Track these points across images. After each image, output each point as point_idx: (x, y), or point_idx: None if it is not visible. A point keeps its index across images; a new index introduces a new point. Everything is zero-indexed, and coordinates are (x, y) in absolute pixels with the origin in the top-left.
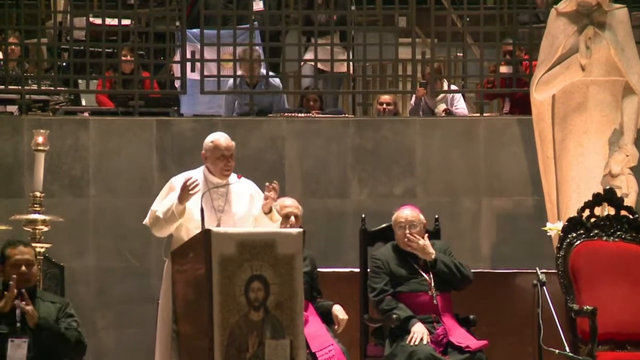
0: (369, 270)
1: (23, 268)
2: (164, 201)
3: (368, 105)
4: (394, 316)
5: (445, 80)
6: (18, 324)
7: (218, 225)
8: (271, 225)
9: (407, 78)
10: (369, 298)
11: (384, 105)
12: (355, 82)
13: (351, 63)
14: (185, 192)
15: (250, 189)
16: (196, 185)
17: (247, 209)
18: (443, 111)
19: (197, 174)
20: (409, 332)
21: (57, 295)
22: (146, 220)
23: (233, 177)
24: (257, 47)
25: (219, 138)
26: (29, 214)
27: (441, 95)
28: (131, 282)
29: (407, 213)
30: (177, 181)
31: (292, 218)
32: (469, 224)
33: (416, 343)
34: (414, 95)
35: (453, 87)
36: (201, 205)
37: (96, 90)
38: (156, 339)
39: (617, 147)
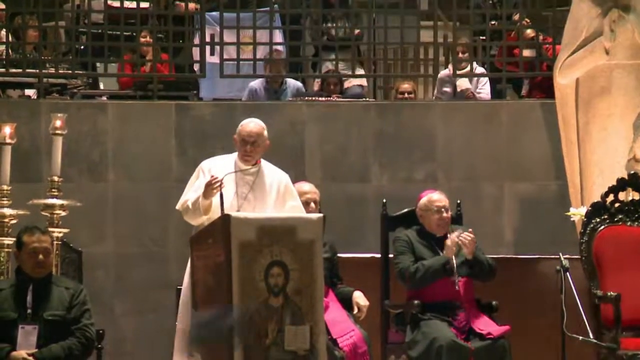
0: (391, 255)
1: (40, 257)
2: (192, 190)
3: (389, 89)
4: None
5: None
6: (29, 311)
7: (238, 212)
8: None
9: (429, 62)
10: (390, 284)
11: (405, 94)
12: (376, 65)
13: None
14: (209, 189)
15: (281, 182)
16: (220, 185)
17: (272, 200)
18: (461, 91)
19: (229, 159)
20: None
21: (71, 281)
22: (178, 206)
23: (267, 165)
24: (280, 48)
25: (247, 123)
26: (47, 199)
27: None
28: (150, 267)
29: (439, 196)
30: (206, 165)
31: (312, 204)
32: (491, 209)
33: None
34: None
35: (480, 69)
36: (221, 190)
37: (114, 73)
38: (177, 325)
39: None
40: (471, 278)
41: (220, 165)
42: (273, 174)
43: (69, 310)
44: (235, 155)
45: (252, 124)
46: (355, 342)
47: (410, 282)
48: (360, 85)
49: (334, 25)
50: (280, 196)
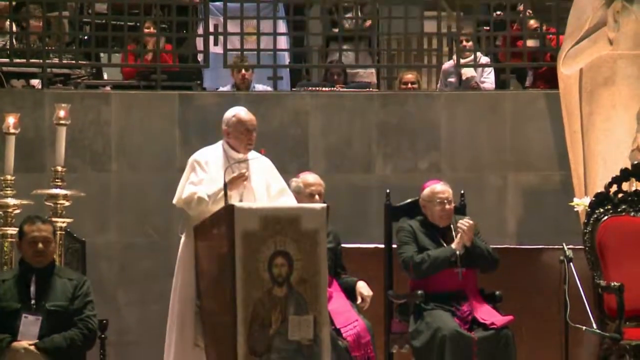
0: (395, 245)
1: (40, 245)
2: (190, 182)
3: (393, 79)
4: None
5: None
6: (32, 301)
7: (240, 201)
8: None
9: (433, 52)
10: (393, 274)
11: (409, 85)
12: (380, 56)
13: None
14: (239, 182)
15: (265, 165)
16: (246, 179)
17: (265, 185)
18: (466, 79)
19: (216, 150)
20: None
21: (75, 272)
22: (178, 201)
23: (253, 152)
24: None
25: (241, 112)
26: (51, 189)
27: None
28: (153, 257)
29: (443, 188)
30: (201, 158)
31: (317, 197)
32: (494, 199)
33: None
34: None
35: (485, 58)
36: (224, 180)
37: (118, 63)
38: (175, 315)
39: None
40: (473, 267)
41: (215, 156)
42: (257, 159)
43: (72, 301)
44: (220, 144)
45: (246, 112)
46: (358, 332)
47: (415, 272)
48: (368, 82)
49: (339, 15)
50: (269, 179)
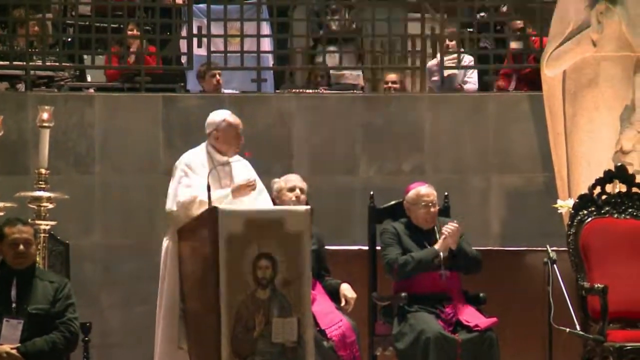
0: (378, 247)
1: (21, 247)
2: (185, 185)
3: (377, 81)
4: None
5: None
6: (14, 305)
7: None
8: None
9: (416, 54)
10: (377, 276)
11: (390, 84)
12: (364, 57)
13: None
14: (248, 190)
15: (246, 166)
16: (254, 188)
17: None
18: (448, 76)
19: (200, 153)
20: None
21: (56, 274)
22: (175, 204)
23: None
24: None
25: (229, 116)
26: (34, 191)
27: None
28: (137, 260)
29: (428, 190)
30: (192, 162)
31: (298, 191)
32: (478, 201)
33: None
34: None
35: (468, 57)
36: (207, 183)
37: (101, 65)
38: (161, 318)
39: (629, 123)
40: (458, 270)
41: (199, 160)
42: (236, 161)
43: (53, 304)
44: (204, 147)
45: (233, 116)
46: (344, 332)
47: (399, 274)
48: (355, 84)
49: (326, 17)
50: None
